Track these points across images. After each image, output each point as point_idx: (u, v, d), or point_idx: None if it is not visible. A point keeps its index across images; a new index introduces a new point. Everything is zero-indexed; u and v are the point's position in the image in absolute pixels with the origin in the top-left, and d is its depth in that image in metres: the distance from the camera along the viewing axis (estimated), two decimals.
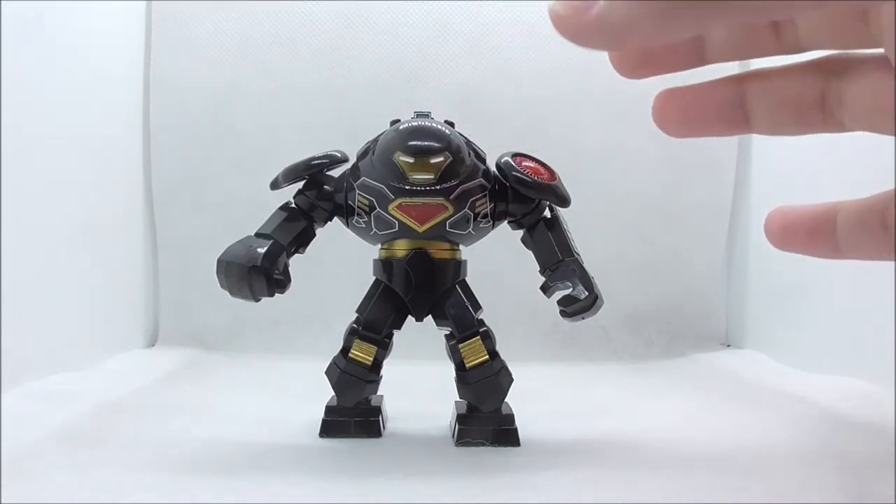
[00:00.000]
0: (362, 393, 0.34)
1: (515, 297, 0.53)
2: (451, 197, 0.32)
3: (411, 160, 0.31)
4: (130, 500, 0.25)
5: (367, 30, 0.63)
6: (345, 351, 0.34)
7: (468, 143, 0.33)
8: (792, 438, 0.34)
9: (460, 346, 0.33)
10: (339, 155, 0.33)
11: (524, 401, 0.35)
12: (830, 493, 0.26)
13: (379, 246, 0.35)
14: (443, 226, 0.32)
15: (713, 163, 0.64)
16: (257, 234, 0.33)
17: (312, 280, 0.55)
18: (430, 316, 0.35)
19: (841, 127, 0.22)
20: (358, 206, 0.33)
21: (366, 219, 0.33)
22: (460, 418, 0.33)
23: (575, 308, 0.32)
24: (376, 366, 0.34)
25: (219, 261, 0.32)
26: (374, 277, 0.35)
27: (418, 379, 0.44)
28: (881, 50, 0.19)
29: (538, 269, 0.34)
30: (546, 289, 0.34)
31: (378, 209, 0.32)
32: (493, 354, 0.33)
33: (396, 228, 0.32)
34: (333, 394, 0.34)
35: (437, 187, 0.31)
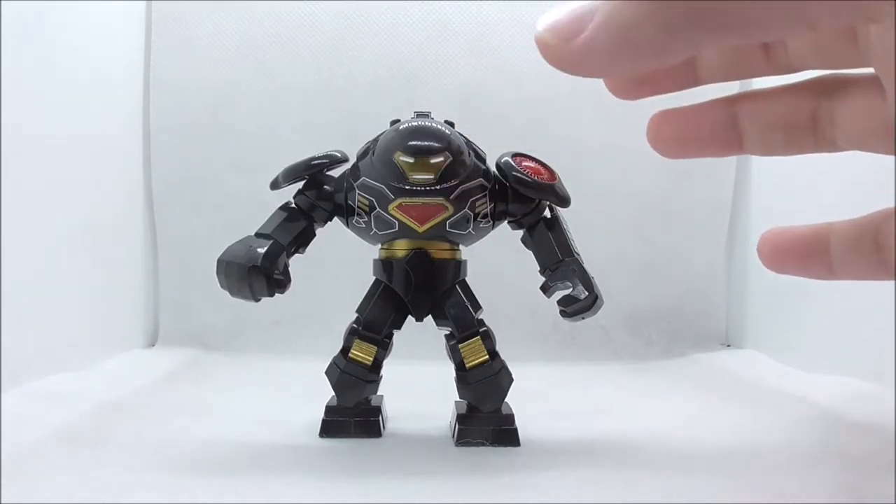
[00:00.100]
0: (362, 393, 0.34)
1: (515, 297, 0.53)
2: (451, 197, 0.32)
3: (411, 160, 0.31)
4: (130, 500, 0.25)
5: (367, 30, 0.63)
6: (345, 351, 0.34)
7: (468, 143, 0.33)
8: (792, 438, 0.34)
9: (460, 346, 0.33)
10: (339, 155, 0.33)
11: (524, 401, 0.35)
12: (830, 493, 0.26)
13: (379, 246, 0.35)
14: (443, 226, 0.32)
15: (713, 163, 0.64)
16: (257, 234, 0.33)
17: (312, 280, 0.55)
18: (430, 316, 0.35)
19: (833, 147, 0.23)
20: (358, 206, 0.33)
21: (366, 219, 0.33)
22: (460, 418, 0.33)
23: (575, 308, 0.32)
24: (376, 366, 0.34)
25: (219, 261, 0.32)
26: (374, 277, 0.35)
27: (418, 379, 0.44)
28: (871, 70, 0.19)
29: (538, 269, 0.34)
30: (546, 289, 0.34)
31: (378, 209, 0.32)
32: (493, 354, 0.33)
33: (396, 228, 0.32)
34: (333, 394, 0.34)
35: (437, 187, 0.32)
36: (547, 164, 0.34)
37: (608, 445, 0.33)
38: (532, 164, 0.33)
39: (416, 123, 0.33)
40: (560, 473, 0.28)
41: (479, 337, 0.33)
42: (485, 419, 0.33)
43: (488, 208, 0.33)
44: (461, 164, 0.32)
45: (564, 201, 0.34)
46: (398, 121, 0.33)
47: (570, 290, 0.33)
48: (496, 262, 0.48)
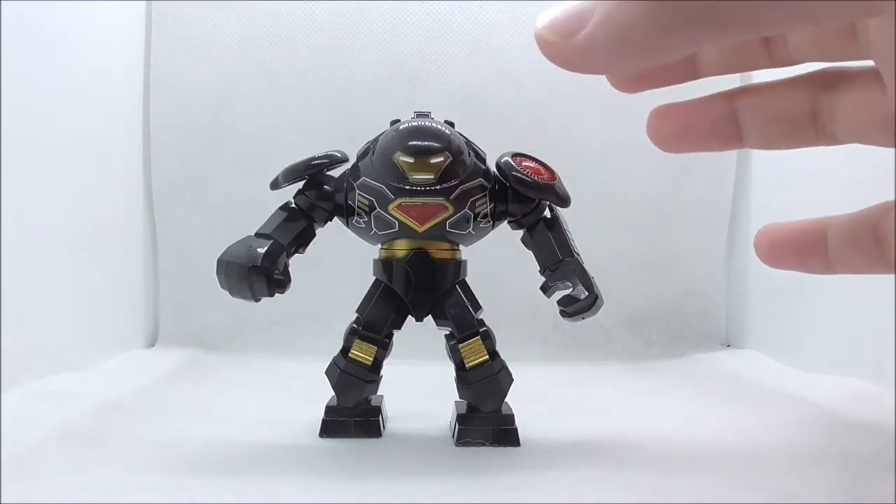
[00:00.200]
0: (362, 393, 0.34)
1: (515, 297, 0.53)
2: (451, 197, 0.32)
3: (411, 160, 0.31)
4: (130, 500, 0.25)
5: (367, 30, 0.63)
6: (345, 351, 0.34)
7: (468, 143, 0.33)
8: (792, 438, 0.34)
9: (460, 346, 0.33)
10: (339, 155, 0.33)
11: (524, 401, 0.35)
12: (830, 493, 0.26)
13: (379, 246, 0.35)
14: (443, 226, 0.32)
15: (713, 163, 0.64)
16: (257, 234, 0.33)
17: (312, 280, 0.55)
18: (430, 316, 0.35)
19: (833, 140, 0.23)
20: (358, 206, 0.33)
21: (366, 219, 0.33)
22: (460, 418, 0.33)
23: (575, 308, 0.32)
24: (376, 366, 0.34)
25: (219, 261, 0.32)
26: (374, 277, 0.35)
27: (418, 379, 0.44)
28: (871, 62, 0.19)
29: (538, 269, 0.34)
30: (546, 289, 0.34)
31: (378, 209, 0.32)
32: (493, 354, 0.33)
33: (396, 228, 0.32)
34: (333, 394, 0.34)
35: (437, 187, 0.31)
36: (547, 164, 0.34)
37: (608, 445, 0.33)
38: (532, 164, 0.33)
39: (416, 123, 0.33)
40: (560, 473, 0.28)
41: (479, 337, 0.33)
42: (485, 419, 0.33)
43: (488, 208, 0.33)
44: (461, 164, 0.32)
45: (564, 201, 0.34)
46: (398, 121, 0.33)
47: (570, 290, 0.33)
48: (496, 262, 0.48)
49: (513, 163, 0.33)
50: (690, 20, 0.15)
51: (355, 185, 0.33)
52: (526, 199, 0.34)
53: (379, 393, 0.36)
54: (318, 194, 0.34)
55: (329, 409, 0.34)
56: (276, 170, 0.34)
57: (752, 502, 0.26)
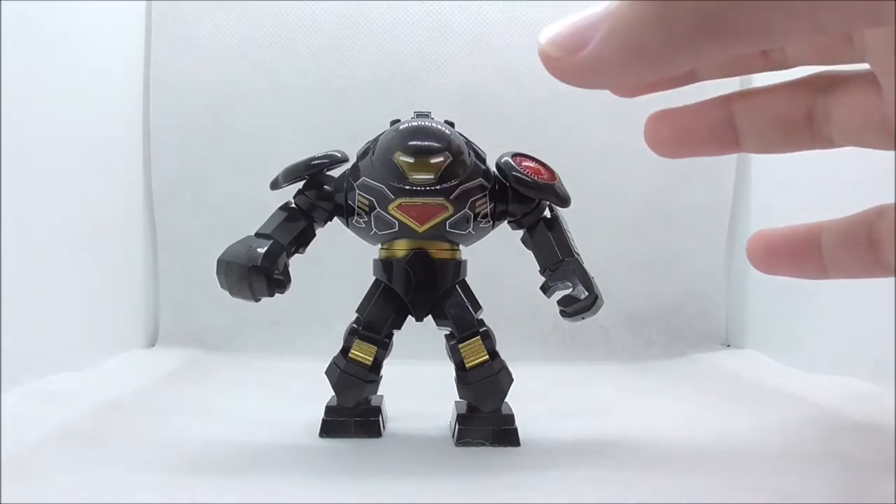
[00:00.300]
0: (362, 393, 0.34)
1: (515, 297, 0.53)
2: (451, 197, 0.32)
3: (411, 160, 0.31)
4: (130, 500, 0.25)
5: (367, 30, 0.63)
6: (345, 351, 0.34)
7: (468, 143, 0.33)
8: (792, 438, 0.34)
9: (460, 346, 0.33)
10: (339, 155, 0.33)
11: (524, 401, 0.35)
12: (830, 492, 0.26)
13: (379, 246, 0.35)
14: (443, 226, 0.32)
15: (713, 163, 0.64)
16: (257, 234, 0.33)
17: (312, 280, 0.55)
18: (430, 316, 0.35)
19: (829, 143, 0.23)
20: (358, 206, 0.33)
21: (366, 219, 0.33)
22: (460, 418, 0.33)
23: (575, 308, 0.32)
24: (376, 366, 0.34)
25: (219, 261, 0.32)
26: (374, 277, 0.35)
27: (418, 379, 0.44)
28: (866, 65, 0.19)
29: (538, 269, 0.34)
30: (546, 289, 0.34)
31: (378, 209, 0.32)
32: (493, 354, 0.33)
33: (396, 228, 0.32)
34: (333, 394, 0.34)
35: (437, 187, 0.31)
36: (547, 164, 0.34)
37: (608, 445, 0.33)
38: (532, 164, 0.33)
39: (416, 123, 0.33)
40: (560, 473, 0.28)
41: (479, 337, 0.33)
42: (485, 419, 0.33)
43: (488, 208, 0.33)
44: (461, 164, 0.32)
45: (564, 201, 0.34)
46: (398, 121, 0.33)
47: (570, 290, 0.33)
48: (496, 262, 0.48)
49: (513, 163, 0.33)
50: (698, 32, 0.15)
51: (355, 185, 0.33)
52: (526, 199, 0.34)
53: (379, 393, 0.36)
54: (318, 194, 0.34)
55: (329, 409, 0.34)
56: (276, 170, 0.34)
57: (752, 502, 0.26)
